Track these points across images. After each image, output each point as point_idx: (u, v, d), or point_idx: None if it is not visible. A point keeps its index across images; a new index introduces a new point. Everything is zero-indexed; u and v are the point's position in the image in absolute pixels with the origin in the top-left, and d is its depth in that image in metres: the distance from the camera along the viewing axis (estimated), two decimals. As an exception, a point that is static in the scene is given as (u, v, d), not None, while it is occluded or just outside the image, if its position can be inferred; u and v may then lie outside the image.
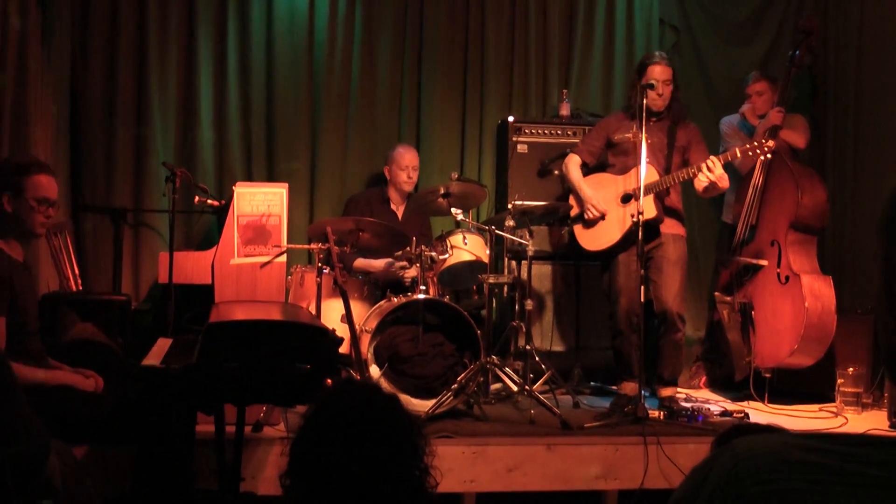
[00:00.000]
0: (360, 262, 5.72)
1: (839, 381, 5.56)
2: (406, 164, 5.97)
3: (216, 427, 3.65)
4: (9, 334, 3.58)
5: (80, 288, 5.60)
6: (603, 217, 5.29)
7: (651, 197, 5.09)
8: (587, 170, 5.47)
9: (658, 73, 5.20)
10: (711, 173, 4.94)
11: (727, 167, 5.08)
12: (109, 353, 4.64)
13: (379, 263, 5.70)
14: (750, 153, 5.02)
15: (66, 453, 2.09)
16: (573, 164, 5.47)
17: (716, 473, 1.03)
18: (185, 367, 3.31)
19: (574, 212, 5.44)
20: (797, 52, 5.81)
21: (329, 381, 3.34)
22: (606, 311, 5.49)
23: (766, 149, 4.98)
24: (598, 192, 5.32)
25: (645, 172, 4.96)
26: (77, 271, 5.61)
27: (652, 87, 5.07)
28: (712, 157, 4.98)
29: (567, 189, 5.61)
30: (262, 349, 3.30)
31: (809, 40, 5.78)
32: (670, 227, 5.26)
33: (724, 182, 5.03)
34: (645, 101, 4.98)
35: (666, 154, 5.27)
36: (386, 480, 1.96)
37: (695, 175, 5.04)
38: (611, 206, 5.28)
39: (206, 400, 3.47)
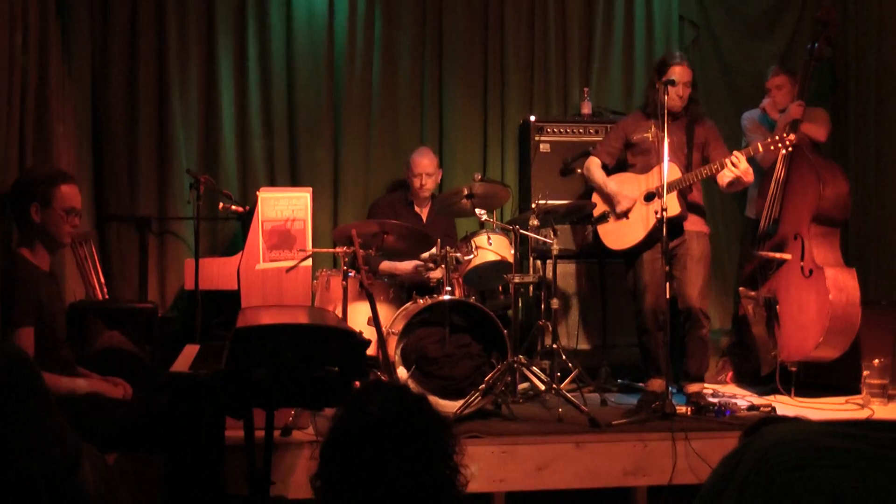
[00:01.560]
0: (386, 265, 5.73)
1: (865, 372, 5.53)
2: (419, 171, 5.97)
3: (246, 432, 3.67)
4: (37, 344, 3.63)
5: (107, 297, 5.64)
6: (626, 216, 5.29)
7: (674, 194, 5.09)
8: (608, 171, 5.48)
9: (679, 73, 5.20)
10: (737, 168, 4.95)
11: (749, 162, 5.07)
12: (137, 360, 4.68)
13: (404, 266, 5.70)
14: (772, 147, 5.04)
15: (98, 460, 2.11)
16: (594, 165, 5.49)
17: (746, 462, 1.04)
18: (214, 373, 3.33)
19: (597, 211, 5.44)
20: (816, 45, 5.78)
21: (357, 383, 3.35)
22: (632, 309, 5.49)
23: (787, 143, 4.99)
24: (620, 188, 5.33)
25: (668, 170, 4.95)
26: (103, 280, 5.64)
27: (673, 83, 5.07)
28: (736, 153, 4.99)
29: (590, 188, 5.61)
30: (290, 353, 3.31)
31: (828, 32, 5.75)
32: (693, 224, 5.27)
33: (749, 176, 5.05)
34: (666, 98, 4.98)
35: (686, 152, 5.28)
36: (417, 480, 1.96)
37: (718, 171, 5.05)
38: (634, 204, 5.28)
39: (235, 405, 3.49)
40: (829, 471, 1.00)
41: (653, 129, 5.27)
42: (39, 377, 1.93)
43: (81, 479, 1.97)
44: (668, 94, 5.01)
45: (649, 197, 5.22)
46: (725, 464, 1.08)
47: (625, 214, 5.32)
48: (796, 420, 1.40)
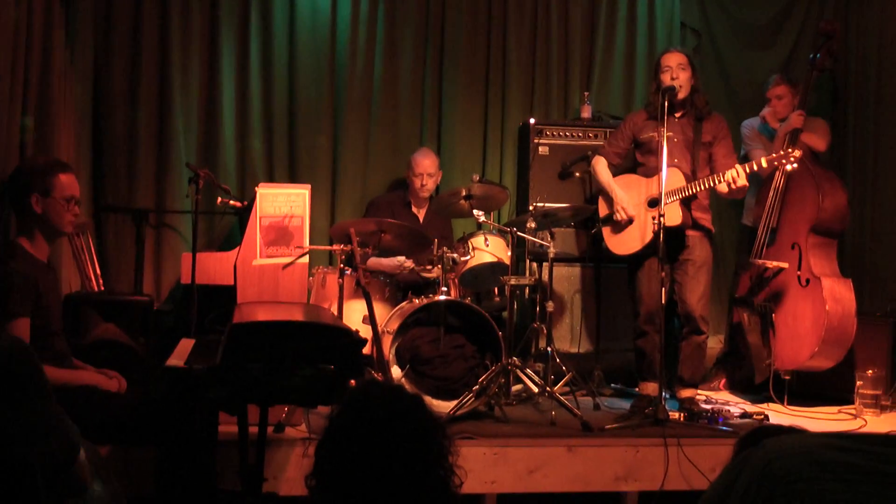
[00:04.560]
0: (371, 262, 5.69)
1: (858, 383, 5.55)
2: (420, 172, 5.98)
3: (239, 427, 3.67)
4: (33, 334, 3.62)
5: (102, 288, 5.62)
6: (631, 221, 5.27)
7: (676, 203, 5.06)
8: (616, 170, 5.46)
9: (671, 59, 5.22)
10: (734, 184, 4.93)
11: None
12: (132, 353, 4.67)
13: (388, 262, 5.67)
14: (776, 163, 5.01)
15: (93, 453, 2.12)
16: (601, 165, 5.46)
17: (747, 473, 1.04)
18: (209, 368, 3.33)
19: (603, 213, 5.43)
20: (818, 56, 5.79)
21: (353, 381, 3.35)
22: (627, 314, 5.50)
23: (792, 158, 4.94)
24: (625, 194, 5.31)
25: (671, 176, 4.95)
26: (99, 272, 5.63)
27: (673, 89, 5.07)
28: (737, 168, 4.94)
29: (595, 191, 5.61)
30: (286, 350, 3.31)
31: (830, 43, 5.76)
32: (697, 230, 5.24)
33: (742, 192, 5.08)
34: (666, 104, 4.98)
35: (692, 151, 5.23)
36: (411, 480, 1.97)
37: (719, 183, 5.01)
38: (638, 210, 5.26)
39: (229, 400, 3.49)
40: (830, 484, 1.01)
41: (659, 129, 5.22)
42: (39, 368, 1.94)
43: (78, 470, 1.97)
44: (665, 98, 5.00)
45: (653, 203, 5.20)
46: (725, 475, 1.08)
47: (622, 226, 5.31)
48: (796, 431, 1.40)
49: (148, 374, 4.16)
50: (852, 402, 5.58)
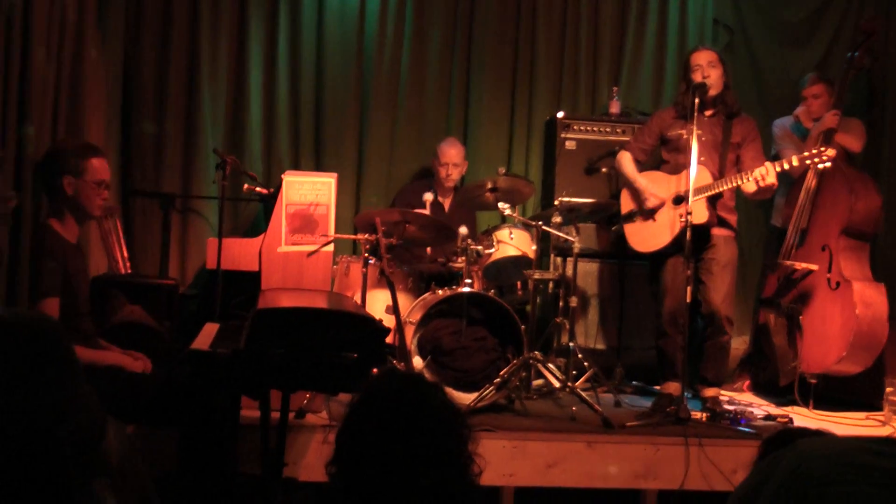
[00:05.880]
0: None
1: (888, 389, 5.45)
2: (446, 161, 5.99)
3: (261, 412, 3.68)
4: (61, 314, 3.66)
5: (129, 271, 5.65)
6: (654, 217, 5.23)
7: (703, 201, 5.01)
8: (641, 167, 5.42)
9: (701, 57, 5.17)
10: (762, 182, 4.87)
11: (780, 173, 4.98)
12: (156, 336, 4.70)
13: None
14: (808, 161, 4.93)
15: (121, 432, 2.12)
16: (626, 160, 5.42)
17: (779, 472, 1.02)
18: (233, 352, 3.34)
19: (625, 210, 5.40)
20: (856, 54, 5.69)
21: (375, 370, 3.35)
22: (650, 311, 5.47)
23: (824, 157, 4.86)
24: (650, 187, 5.27)
25: (698, 174, 4.89)
26: (126, 255, 5.66)
27: (704, 86, 5.02)
28: (767, 164, 4.88)
29: (619, 187, 5.57)
30: (310, 337, 3.31)
31: (870, 42, 5.67)
32: (722, 229, 5.20)
33: (771, 191, 5.01)
34: (696, 101, 4.92)
35: (721, 152, 5.18)
36: (431, 468, 1.96)
37: (746, 181, 4.96)
38: (663, 206, 5.23)
39: (252, 385, 3.50)
40: (863, 487, 0.99)
41: (688, 126, 5.17)
42: (69, 345, 1.94)
43: (105, 449, 1.98)
44: (696, 95, 4.95)
45: (678, 200, 5.16)
46: (757, 473, 1.07)
47: (652, 213, 5.26)
48: (829, 434, 1.38)
49: (172, 356, 4.18)
50: (881, 409, 5.48)
